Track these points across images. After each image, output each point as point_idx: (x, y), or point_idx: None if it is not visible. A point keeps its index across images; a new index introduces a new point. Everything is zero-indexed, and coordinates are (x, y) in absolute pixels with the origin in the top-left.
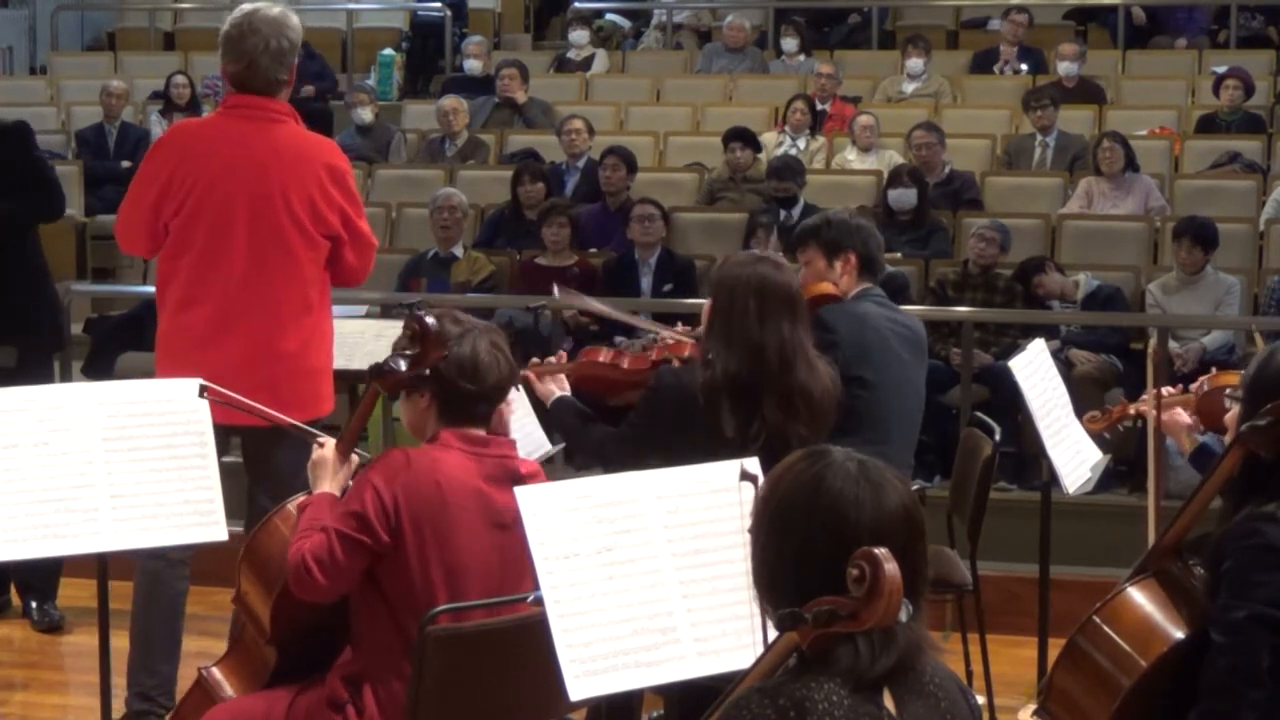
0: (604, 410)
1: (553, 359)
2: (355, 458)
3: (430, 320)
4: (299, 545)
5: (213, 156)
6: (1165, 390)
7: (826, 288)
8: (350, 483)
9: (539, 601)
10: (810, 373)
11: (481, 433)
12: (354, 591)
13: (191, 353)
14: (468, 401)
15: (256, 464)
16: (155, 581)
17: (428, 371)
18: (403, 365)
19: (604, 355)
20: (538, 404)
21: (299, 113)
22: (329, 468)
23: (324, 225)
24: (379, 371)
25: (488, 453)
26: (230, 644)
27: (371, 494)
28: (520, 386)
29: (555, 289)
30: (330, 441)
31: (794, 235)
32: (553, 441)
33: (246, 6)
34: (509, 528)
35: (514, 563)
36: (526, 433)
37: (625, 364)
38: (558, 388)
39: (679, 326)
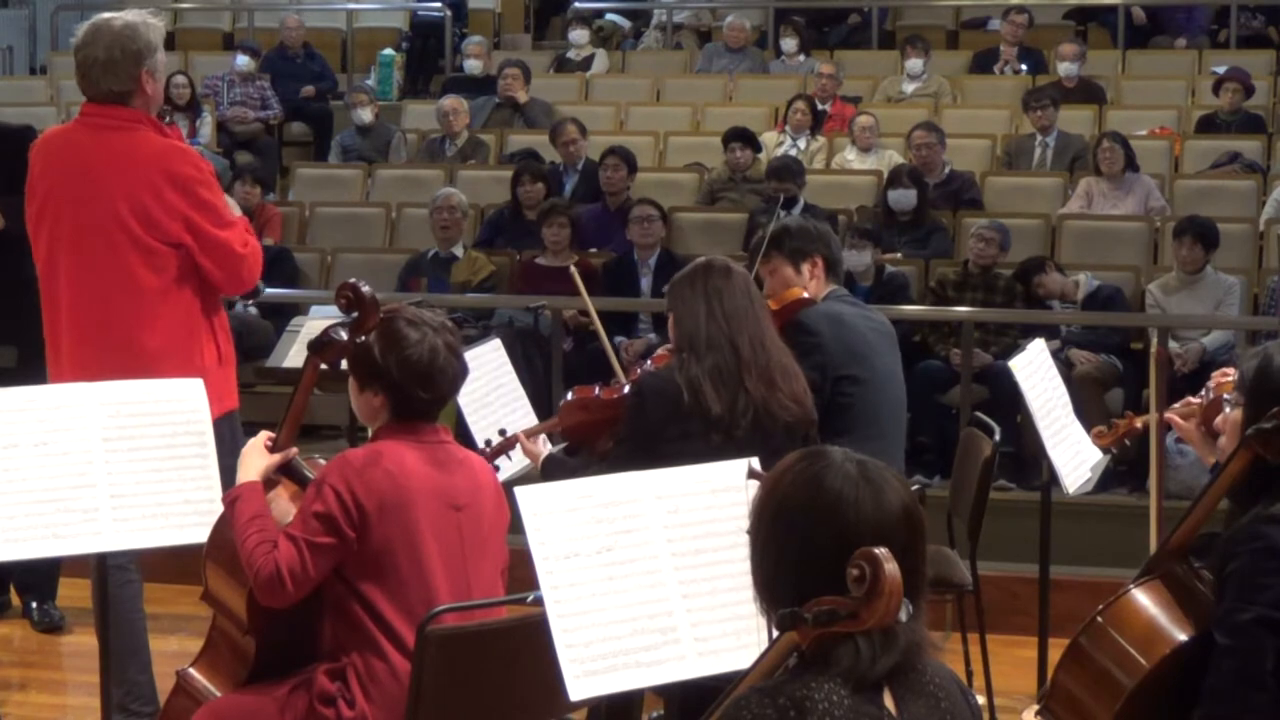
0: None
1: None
2: (294, 449)
3: (364, 287)
4: (265, 553)
5: (53, 168)
6: (1189, 399)
7: (799, 293)
8: (306, 468)
9: (539, 601)
10: (781, 353)
11: (422, 423)
12: (323, 593)
13: (59, 359)
14: (420, 406)
15: None
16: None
17: (364, 339)
18: (343, 335)
19: (583, 394)
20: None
21: (299, 113)
22: (255, 457)
23: (160, 232)
24: (319, 345)
25: (428, 439)
26: (205, 641)
27: (332, 495)
28: (509, 454)
29: (572, 269)
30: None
31: (754, 248)
32: None
33: (100, 16)
34: (463, 508)
35: (472, 540)
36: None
37: (605, 397)
38: (543, 448)
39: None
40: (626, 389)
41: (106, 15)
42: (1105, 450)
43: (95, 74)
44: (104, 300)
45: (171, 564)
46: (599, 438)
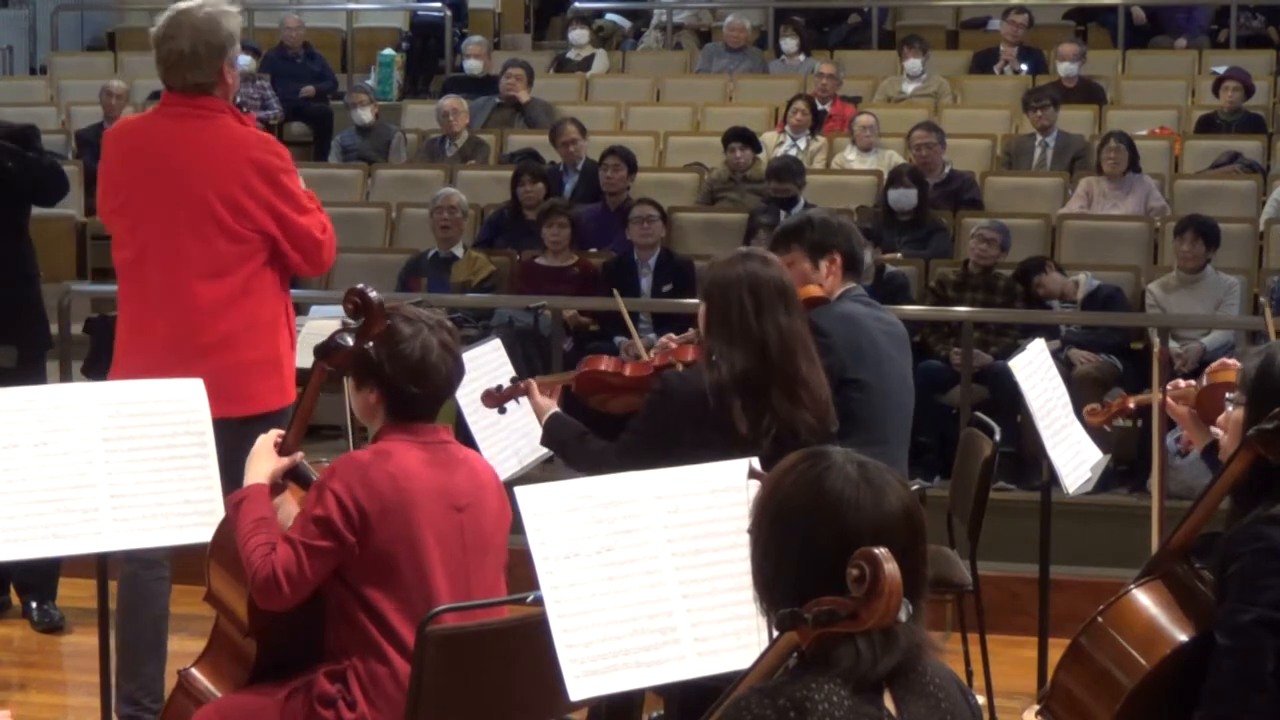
0: (600, 419)
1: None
2: (301, 451)
3: (371, 293)
4: (264, 556)
5: (139, 155)
6: (1179, 382)
7: (814, 290)
8: (313, 472)
9: (539, 601)
10: (809, 363)
11: (422, 423)
12: (323, 590)
13: (125, 349)
14: (414, 402)
15: (230, 459)
16: (132, 586)
17: (370, 344)
18: (349, 340)
19: (605, 364)
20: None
21: (299, 113)
22: (263, 458)
23: (249, 221)
24: (325, 350)
25: (429, 439)
26: (208, 642)
27: (332, 499)
28: (519, 400)
29: (615, 295)
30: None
31: (775, 237)
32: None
33: (179, 7)
34: (465, 509)
35: (474, 542)
36: (525, 432)
37: (627, 371)
38: (552, 404)
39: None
40: (652, 367)
41: (185, 5)
42: (1097, 429)
43: (181, 68)
44: (195, 288)
45: (174, 564)
46: (604, 404)
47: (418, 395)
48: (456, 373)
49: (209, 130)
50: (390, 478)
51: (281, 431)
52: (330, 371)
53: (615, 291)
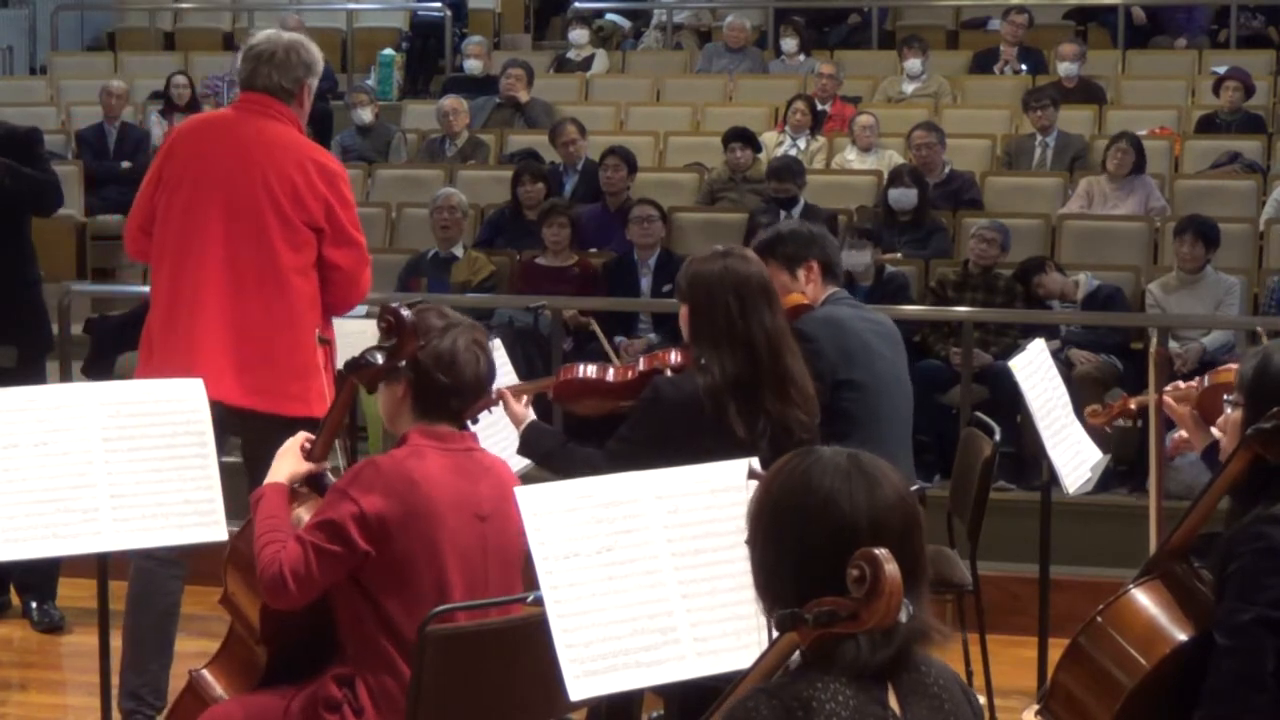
0: (577, 425)
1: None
2: (328, 461)
3: (405, 312)
4: (273, 554)
5: (199, 141)
6: (1180, 384)
7: (797, 298)
8: (328, 474)
9: (539, 601)
10: (794, 359)
11: (449, 428)
12: (338, 597)
13: (162, 335)
14: (442, 395)
15: (256, 459)
16: (146, 581)
17: (404, 363)
18: (379, 358)
19: (584, 370)
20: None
21: None
22: (288, 460)
23: (304, 212)
24: (355, 365)
25: (455, 446)
26: (221, 644)
27: (349, 504)
28: (490, 410)
29: (594, 324)
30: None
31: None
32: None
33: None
34: (487, 517)
35: (496, 551)
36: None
37: (611, 378)
38: (528, 413)
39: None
40: (638, 372)
41: (277, 29)
42: (1098, 429)
43: (268, 67)
44: (244, 275)
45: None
46: (584, 409)
47: (446, 386)
48: (488, 373)
49: (278, 127)
50: (412, 484)
51: (311, 436)
52: (358, 386)
53: (595, 325)
